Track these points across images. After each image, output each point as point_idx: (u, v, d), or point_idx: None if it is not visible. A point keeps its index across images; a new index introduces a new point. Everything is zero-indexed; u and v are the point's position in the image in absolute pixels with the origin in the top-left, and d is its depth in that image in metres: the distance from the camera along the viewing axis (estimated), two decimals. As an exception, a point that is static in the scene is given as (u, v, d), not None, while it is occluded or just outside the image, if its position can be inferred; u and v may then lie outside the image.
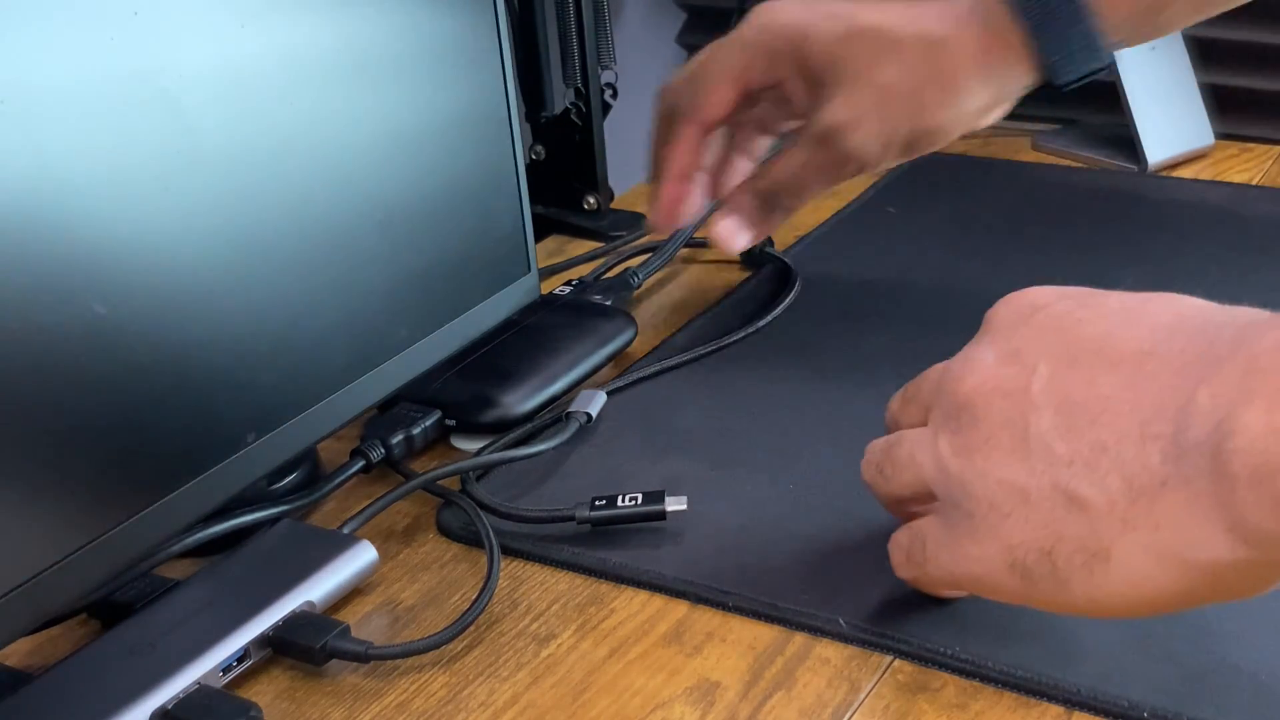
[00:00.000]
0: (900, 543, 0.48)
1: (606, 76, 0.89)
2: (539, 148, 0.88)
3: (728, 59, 0.64)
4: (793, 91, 0.64)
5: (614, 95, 0.90)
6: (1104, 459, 0.39)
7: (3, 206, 0.40)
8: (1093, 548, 0.39)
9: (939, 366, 0.48)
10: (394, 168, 0.55)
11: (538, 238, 0.70)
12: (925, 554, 0.46)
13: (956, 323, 0.60)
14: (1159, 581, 0.39)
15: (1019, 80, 0.62)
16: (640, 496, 0.55)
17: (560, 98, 0.85)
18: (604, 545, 0.55)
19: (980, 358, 0.44)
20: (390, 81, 0.54)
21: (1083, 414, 0.40)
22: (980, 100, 0.62)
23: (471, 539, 0.56)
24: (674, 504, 0.54)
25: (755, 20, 0.64)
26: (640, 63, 1.22)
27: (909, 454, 0.46)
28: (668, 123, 0.66)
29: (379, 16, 0.53)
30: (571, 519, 0.55)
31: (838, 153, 0.62)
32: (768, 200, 0.66)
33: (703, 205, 0.70)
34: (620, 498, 0.55)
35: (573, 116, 0.87)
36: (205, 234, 0.47)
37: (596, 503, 0.55)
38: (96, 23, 0.43)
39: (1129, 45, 0.62)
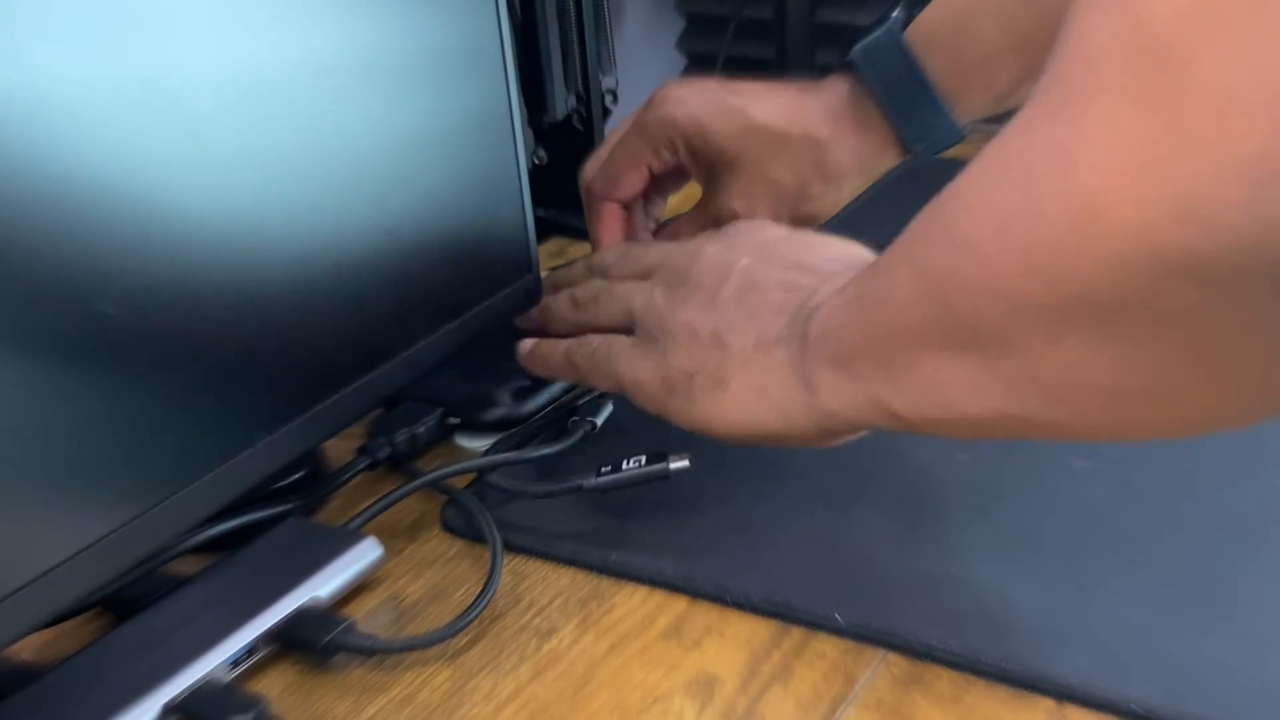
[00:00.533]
0: (588, 342, 0.58)
1: (607, 82, 0.89)
2: (541, 152, 0.88)
3: (634, 149, 0.71)
4: (692, 171, 0.71)
5: (614, 100, 0.91)
6: (752, 320, 0.51)
7: (12, 207, 0.40)
8: (718, 377, 0.51)
9: (669, 245, 0.60)
10: (399, 171, 0.55)
11: (540, 240, 0.70)
12: (611, 356, 0.56)
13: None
14: (752, 411, 0.50)
15: (888, 162, 0.70)
16: (644, 458, 0.56)
17: (562, 103, 0.86)
18: (605, 542, 0.55)
19: (708, 249, 0.56)
20: (395, 87, 0.55)
21: (754, 290, 0.52)
22: (855, 184, 0.70)
23: (475, 535, 0.57)
24: (677, 462, 0.55)
25: (658, 110, 0.70)
26: (640, 68, 1.23)
27: (625, 293, 0.57)
28: (592, 202, 0.74)
29: (384, 23, 0.54)
30: (579, 488, 0.56)
31: None
32: None
33: None
34: (625, 461, 0.56)
35: (574, 122, 0.87)
36: (211, 237, 0.47)
37: (602, 469, 0.56)
38: (106, 27, 0.43)
39: (983, 117, 0.70)
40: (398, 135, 0.55)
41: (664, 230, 0.74)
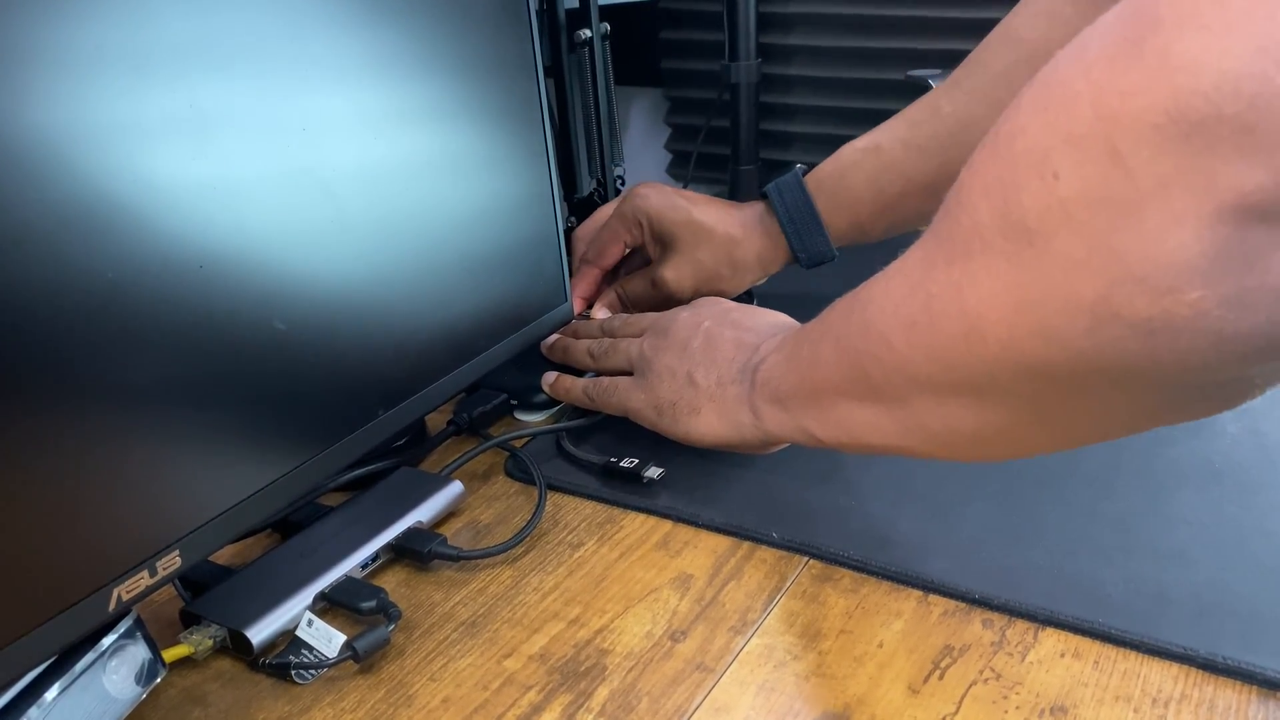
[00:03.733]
0: (601, 381, 0.58)
1: (617, 170, 0.89)
2: (572, 219, 0.88)
3: (615, 228, 0.70)
4: (648, 244, 0.69)
5: (622, 183, 0.91)
6: (714, 367, 0.52)
7: (216, 260, 0.40)
8: (694, 406, 0.52)
9: (652, 315, 0.59)
10: (476, 232, 0.55)
11: (570, 278, 0.70)
12: (618, 393, 0.56)
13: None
14: (718, 429, 0.51)
15: (779, 264, 0.69)
16: (637, 462, 0.55)
17: (586, 184, 0.86)
18: (616, 486, 0.55)
19: (683, 313, 0.57)
20: (475, 174, 0.55)
21: (713, 344, 0.53)
22: (754, 276, 0.69)
23: (527, 480, 0.57)
24: (653, 471, 0.55)
25: (632, 201, 0.69)
26: (640, 161, 1.23)
27: (626, 347, 0.58)
28: (582, 266, 0.72)
29: (467, 129, 0.54)
30: (602, 466, 0.56)
31: (661, 292, 0.69)
32: (621, 302, 0.71)
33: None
34: (624, 460, 0.56)
35: (595, 197, 0.87)
36: (350, 276, 0.47)
37: (610, 459, 0.56)
38: (278, 136, 0.43)
39: (848, 243, 0.69)
40: (476, 208, 0.55)
41: (616, 283, 0.72)
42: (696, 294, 0.68)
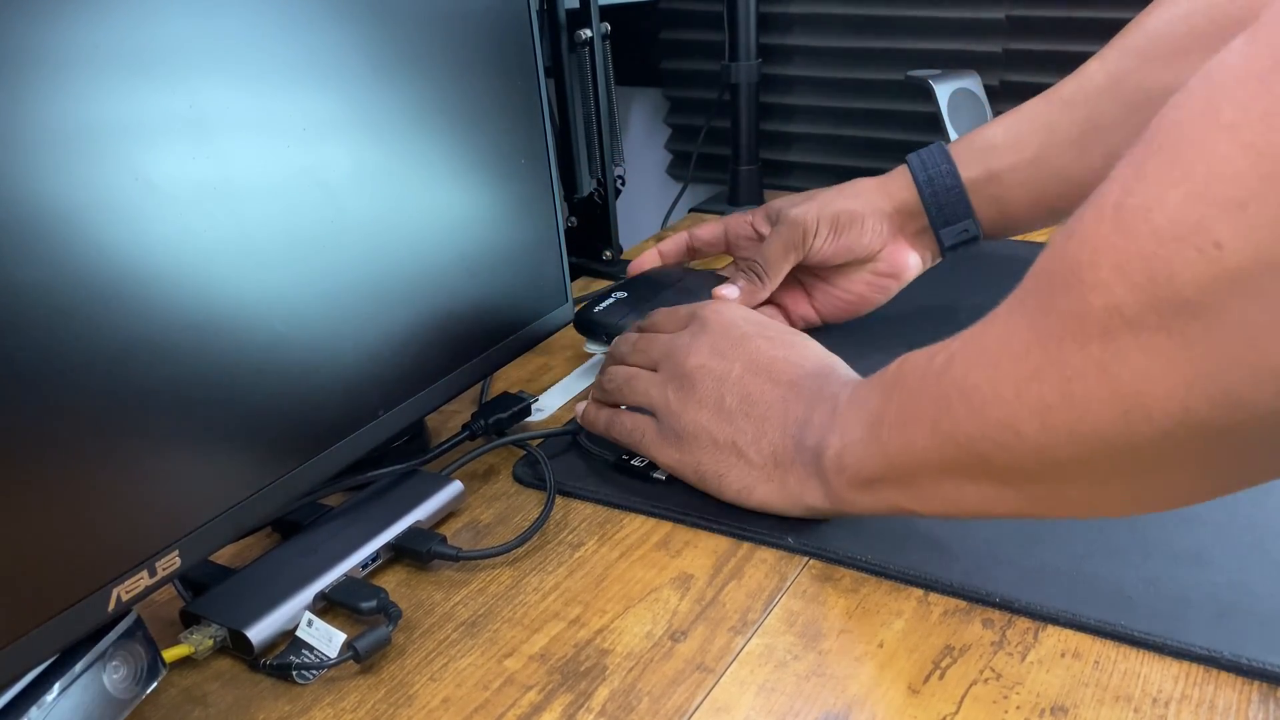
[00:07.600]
0: (624, 422, 0.54)
1: (618, 171, 0.89)
2: (573, 219, 0.89)
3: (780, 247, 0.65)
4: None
5: (622, 183, 0.91)
6: (763, 438, 0.48)
7: (218, 259, 0.40)
8: (745, 483, 0.49)
9: (665, 337, 0.53)
10: (478, 232, 0.55)
11: (571, 278, 0.70)
12: (644, 439, 0.53)
13: (877, 325, 0.63)
14: (776, 503, 0.48)
15: (901, 196, 0.64)
16: (647, 460, 0.55)
17: (587, 184, 0.86)
18: (616, 487, 0.55)
19: (700, 346, 0.51)
20: (474, 174, 0.55)
21: (755, 406, 0.48)
22: (876, 213, 0.64)
23: (530, 482, 0.56)
24: (661, 472, 0.55)
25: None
26: (640, 161, 1.23)
27: (645, 388, 0.53)
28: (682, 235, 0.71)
29: (467, 130, 0.54)
30: (616, 463, 0.56)
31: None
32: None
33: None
34: (635, 459, 0.56)
35: (595, 197, 0.87)
36: (350, 276, 0.47)
37: (623, 455, 0.56)
38: (278, 136, 0.43)
39: (992, 238, 0.65)
40: (477, 208, 0.55)
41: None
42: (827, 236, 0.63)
